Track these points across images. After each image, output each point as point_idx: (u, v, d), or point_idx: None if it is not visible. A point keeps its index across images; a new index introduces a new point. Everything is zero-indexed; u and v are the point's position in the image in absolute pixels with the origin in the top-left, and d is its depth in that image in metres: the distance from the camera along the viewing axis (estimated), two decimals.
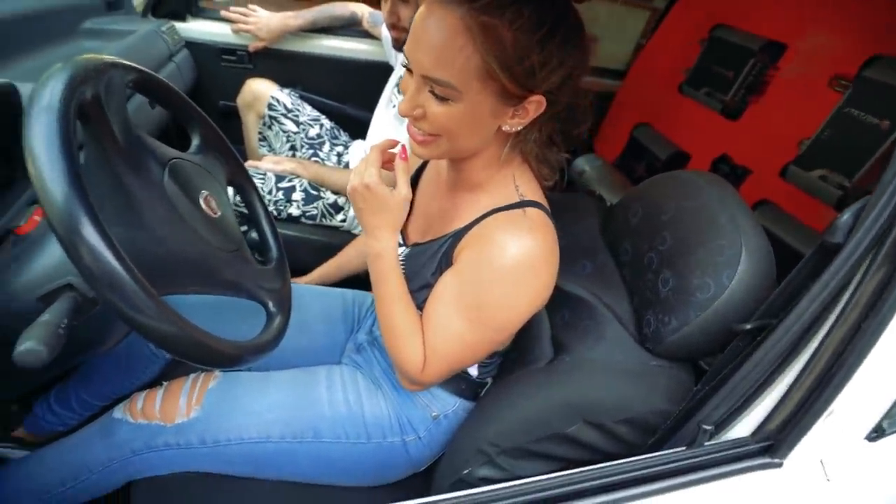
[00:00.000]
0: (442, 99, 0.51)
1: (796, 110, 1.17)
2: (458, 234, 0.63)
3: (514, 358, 0.76)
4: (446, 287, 0.62)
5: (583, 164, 1.63)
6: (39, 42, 1.06)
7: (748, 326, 0.53)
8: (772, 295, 0.54)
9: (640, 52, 1.74)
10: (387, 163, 0.64)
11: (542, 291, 0.60)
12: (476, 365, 0.74)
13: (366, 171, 0.59)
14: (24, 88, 0.68)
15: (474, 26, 0.47)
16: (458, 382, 0.74)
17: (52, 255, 0.53)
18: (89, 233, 0.40)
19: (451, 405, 0.75)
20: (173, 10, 1.46)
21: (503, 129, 0.56)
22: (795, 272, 0.52)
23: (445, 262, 0.64)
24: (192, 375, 0.76)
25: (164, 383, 0.76)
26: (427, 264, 0.66)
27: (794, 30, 1.21)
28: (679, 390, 0.64)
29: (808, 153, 1.10)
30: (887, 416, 0.51)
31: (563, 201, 0.96)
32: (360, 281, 1.28)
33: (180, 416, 0.71)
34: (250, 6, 1.49)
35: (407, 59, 0.53)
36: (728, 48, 1.33)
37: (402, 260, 0.69)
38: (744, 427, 0.50)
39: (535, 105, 0.53)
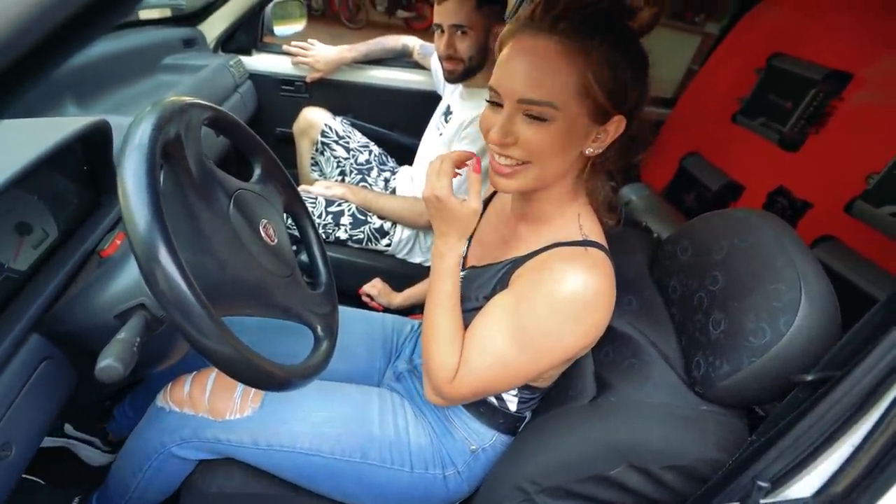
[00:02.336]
0: (539, 120, 0.53)
1: (864, 142, 1.11)
2: (518, 261, 0.64)
3: (555, 392, 0.74)
4: (496, 305, 0.62)
5: (630, 193, 1.60)
6: (128, 76, 1.18)
7: (809, 378, 0.50)
8: (836, 345, 0.51)
9: (692, 79, 1.71)
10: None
11: (592, 331, 0.60)
12: (516, 399, 0.73)
13: (438, 182, 0.61)
14: (115, 120, 0.76)
15: (569, 48, 0.51)
16: (496, 416, 0.73)
17: (127, 276, 0.58)
18: (166, 260, 0.44)
19: (488, 439, 0.74)
20: (240, 46, 1.59)
21: (585, 152, 0.58)
22: (863, 323, 0.48)
23: (500, 286, 0.65)
24: None
25: (215, 370, 0.76)
26: (482, 287, 0.67)
27: (860, 58, 1.16)
28: (731, 439, 0.60)
29: (877, 188, 1.03)
30: None
31: (609, 235, 0.94)
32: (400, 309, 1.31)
33: (232, 412, 0.72)
34: (309, 40, 1.59)
35: (495, 90, 0.56)
36: (787, 78, 1.29)
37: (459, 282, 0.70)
38: (804, 487, 0.46)
39: (616, 125, 0.56)
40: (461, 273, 0.72)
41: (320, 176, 1.54)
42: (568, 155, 0.58)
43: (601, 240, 0.63)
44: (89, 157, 0.71)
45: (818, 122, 1.20)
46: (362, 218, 1.27)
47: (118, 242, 0.64)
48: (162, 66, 1.32)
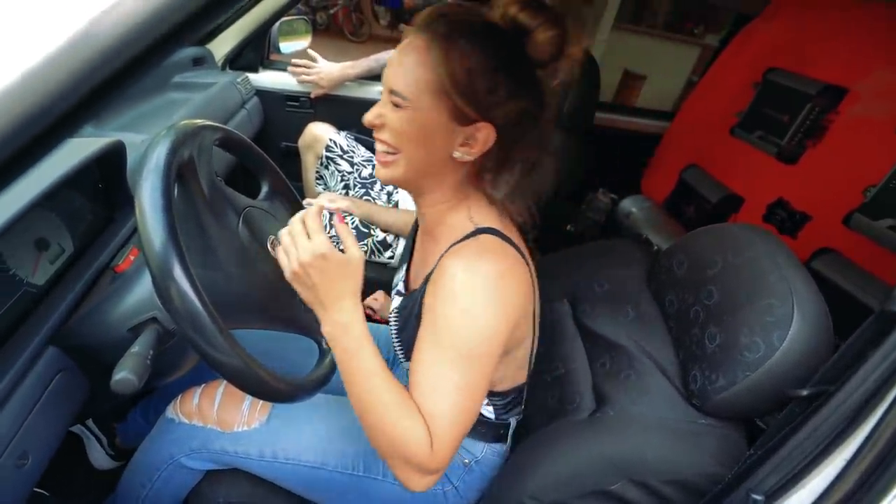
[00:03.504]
0: (399, 107, 0.56)
1: (860, 156, 1.12)
2: (427, 279, 0.62)
3: (553, 406, 0.75)
4: (420, 342, 0.58)
5: (630, 205, 1.61)
6: (140, 94, 1.22)
7: (804, 393, 0.51)
8: (829, 360, 0.52)
9: (690, 91, 1.73)
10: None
11: (510, 310, 0.58)
12: (491, 408, 0.73)
13: (313, 240, 0.54)
14: (128, 137, 0.79)
15: (433, 47, 0.54)
16: (478, 428, 0.73)
17: (140, 291, 0.60)
18: (180, 278, 0.46)
19: (479, 451, 0.74)
20: (247, 63, 1.63)
21: (454, 156, 0.58)
22: (854, 338, 0.50)
23: (419, 309, 0.62)
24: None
25: (224, 381, 0.76)
26: (413, 313, 0.65)
27: (855, 72, 1.18)
28: (730, 453, 0.61)
29: (874, 201, 1.04)
30: None
31: (607, 246, 0.96)
32: None
33: (240, 424, 0.73)
34: (310, 52, 1.63)
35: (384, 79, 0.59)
36: (783, 92, 1.31)
37: (397, 309, 0.69)
38: (797, 500, 0.47)
39: (484, 135, 0.56)
40: (398, 299, 0.71)
41: (325, 189, 1.57)
42: (431, 149, 0.58)
43: (497, 224, 0.62)
44: (104, 176, 0.74)
45: (815, 136, 1.22)
46: (365, 231, 1.29)
47: (132, 258, 0.67)
48: (172, 84, 1.36)
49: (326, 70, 1.59)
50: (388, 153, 0.60)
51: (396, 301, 0.73)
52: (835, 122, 1.18)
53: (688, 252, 0.72)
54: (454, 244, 0.60)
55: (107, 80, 0.24)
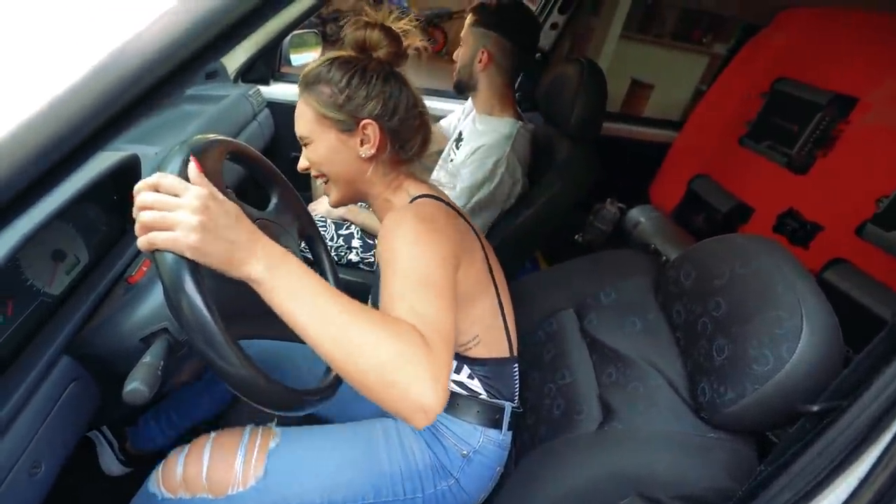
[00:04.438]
0: (306, 145, 0.72)
1: (872, 165, 1.11)
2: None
3: (559, 416, 0.75)
4: (380, 293, 0.58)
5: (638, 215, 1.61)
6: None
7: (815, 408, 0.50)
8: (842, 374, 0.51)
9: (699, 101, 1.73)
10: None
11: (440, 234, 0.63)
12: (475, 380, 0.74)
13: (190, 189, 0.47)
14: (142, 150, 0.81)
15: (304, 94, 0.70)
16: (471, 407, 0.74)
17: (152, 302, 0.62)
18: (191, 289, 0.47)
19: (476, 440, 0.74)
20: (259, 76, 1.66)
21: (362, 156, 0.70)
22: (867, 352, 0.49)
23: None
24: (246, 436, 0.72)
25: (211, 436, 0.71)
26: (376, 284, 0.71)
27: (866, 81, 1.17)
28: (741, 467, 0.60)
29: (888, 211, 1.03)
30: None
31: (613, 257, 0.96)
32: None
33: (235, 486, 0.67)
34: None
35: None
36: (792, 102, 1.30)
37: (376, 286, 0.74)
38: None
39: (371, 129, 0.68)
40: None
41: None
42: (345, 160, 0.71)
43: (427, 190, 0.74)
44: (119, 188, 0.76)
45: (826, 145, 1.21)
46: (372, 242, 1.30)
47: (144, 269, 0.68)
48: (186, 97, 1.39)
49: None
50: (324, 182, 0.74)
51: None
52: (845, 132, 1.18)
53: (695, 263, 0.71)
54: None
55: (128, 106, 0.26)
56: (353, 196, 0.75)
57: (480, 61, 1.20)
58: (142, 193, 0.48)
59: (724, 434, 0.62)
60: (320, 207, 1.37)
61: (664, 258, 1.42)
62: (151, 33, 0.24)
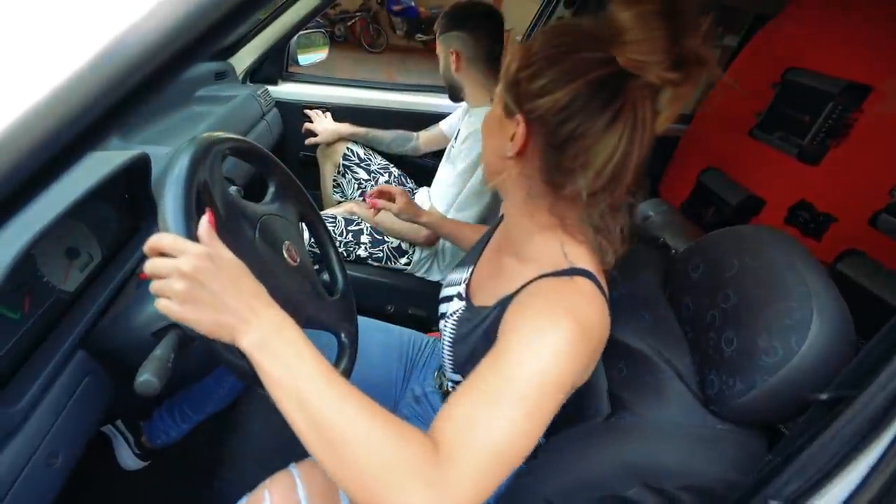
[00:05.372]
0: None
1: (886, 155, 1.09)
2: (505, 302, 0.58)
3: (569, 412, 0.75)
4: (478, 367, 0.49)
5: (647, 209, 1.59)
6: (165, 108, 1.27)
7: (824, 397, 0.50)
8: (851, 363, 0.51)
9: (708, 93, 1.71)
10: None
11: (580, 361, 0.51)
12: None
13: (187, 248, 0.45)
14: (153, 150, 0.82)
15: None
16: None
17: None
18: None
19: None
20: (267, 76, 1.68)
21: (507, 154, 0.57)
22: (877, 341, 0.48)
23: (493, 330, 0.56)
24: (297, 481, 0.65)
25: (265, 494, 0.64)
26: (476, 330, 0.61)
27: (879, 70, 1.15)
28: (750, 458, 0.60)
29: None
30: None
31: (622, 251, 0.95)
32: (415, 321, 1.33)
33: None
34: (321, 112, 1.65)
35: None
36: (803, 91, 1.28)
37: (459, 315, 0.66)
38: None
39: (521, 127, 0.54)
40: (460, 304, 0.67)
41: (342, 197, 1.60)
42: (495, 142, 0.59)
43: (592, 268, 0.57)
44: (130, 187, 0.77)
45: (838, 135, 1.19)
46: (380, 237, 1.31)
47: None
48: (196, 98, 1.41)
49: (325, 124, 1.61)
50: None
51: (457, 305, 0.70)
52: (859, 121, 1.15)
53: (704, 255, 0.71)
54: (545, 275, 0.56)
55: (129, 94, 0.26)
56: (492, 180, 0.63)
57: (453, 63, 1.25)
58: (150, 259, 0.47)
59: (734, 426, 0.62)
60: (334, 210, 1.39)
61: (673, 251, 1.41)
62: (148, 24, 0.25)
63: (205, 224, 0.49)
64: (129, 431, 1.02)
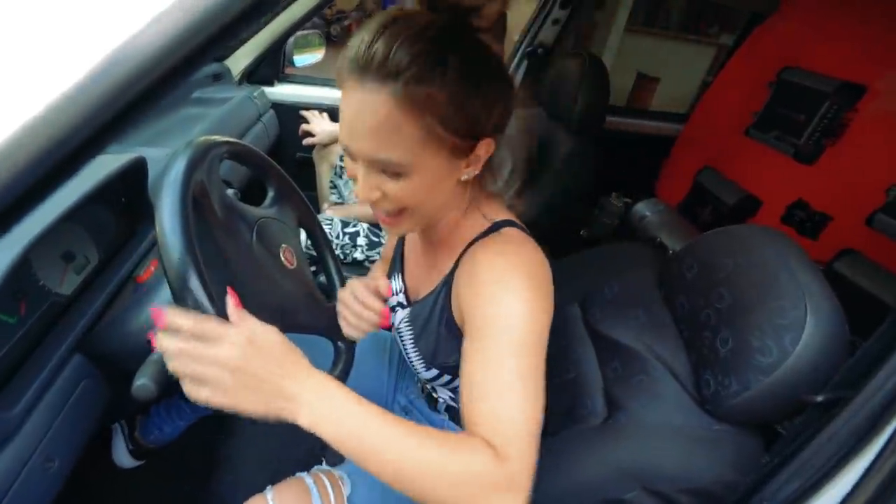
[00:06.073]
0: (396, 175, 0.50)
1: (882, 154, 1.10)
2: (447, 282, 0.61)
3: (564, 413, 0.75)
4: (467, 348, 0.52)
5: (644, 209, 1.60)
6: (161, 110, 1.27)
7: (820, 399, 0.50)
8: (847, 364, 0.51)
9: (704, 93, 1.72)
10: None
11: (544, 291, 0.53)
12: None
13: (226, 331, 0.45)
14: (149, 152, 0.82)
15: (406, 100, 0.45)
16: None
17: (160, 301, 0.63)
18: (196, 287, 0.48)
19: None
20: (263, 77, 1.67)
21: (461, 179, 0.55)
22: (872, 342, 0.49)
23: (444, 309, 0.61)
24: (313, 488, 0.65)
25: (269, 495, 0.64)
26: (430, 318, 0.63)
27: (873, 69, 1.15)
28: (748, 459, 0.60)
29: None
30: None
31: (617, 250, 0.96)
32: None
33: None
34: (318, 113, 1.64)
35: (345, 146, 0.51)
36: (799, 91, 1.29)
37: (407, 319, 0.68)
38: None
39: (486, 147, 0.53)
40: (404, 312, 0.69)
41: (338, 199, 1.60)
42: (443, 192, 0.55)
43: (507, 215, 0.61)
44: (127, 190, 0.77)
45: (834, 135, 1.20)
46: (376, 240, 1.31)
47: (152, 269, 0.69)
48: (192, 100, 1.40)
49: (322, 125, 1.60)
50: (393, 214, 0.55)
51: (402, 314, 0.71)
52: (854, 121, 1.16)
53: (698, 255, 0.71)
54: (474, 241, 0.58)
55: (132, 102, 0.26)
56: (420, 226, 0.59)
57: None
58: (170, 340, 0.45)
59: (730, 426, 0.62)
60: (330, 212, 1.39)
61: (670, 251, 1.41)
62: (148, 35, 0.25)
63: (231, 304, 0.48)
64: (127, 424, 1.02)
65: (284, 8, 1.47)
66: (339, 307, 0.69)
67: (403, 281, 0.74)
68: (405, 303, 0.73)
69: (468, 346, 0.52)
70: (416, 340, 0.67)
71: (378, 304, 0.65)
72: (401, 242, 0.78)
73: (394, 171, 0.49)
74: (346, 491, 0.66)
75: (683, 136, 1.71)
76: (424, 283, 0.69)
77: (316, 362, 0.62)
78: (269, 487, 0.66)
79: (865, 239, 1.08)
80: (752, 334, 0.57)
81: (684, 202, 1.60)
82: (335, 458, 0.72)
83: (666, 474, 0.61)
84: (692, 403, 0.65)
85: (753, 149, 1.41)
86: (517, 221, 0.61)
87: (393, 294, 0.74)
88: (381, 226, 0.59)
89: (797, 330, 0.53)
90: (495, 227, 0.59)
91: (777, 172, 1.33)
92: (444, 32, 0.47)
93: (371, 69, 0.46)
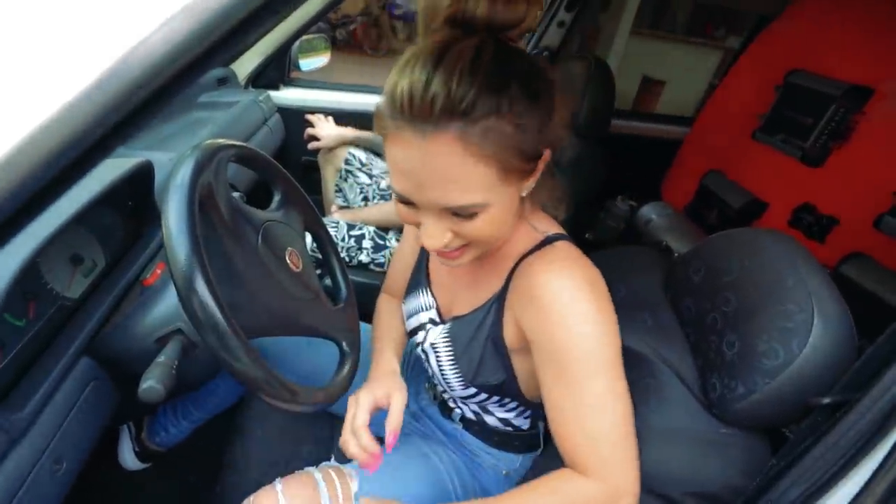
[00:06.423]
0: (471, 215, 0.48)
1: (889, 157, 1.09)
2: (499, 299, 0.59)
3: None
4: (545, 374, 0.55)
5: (650, 212, 1.59)
6: (167, 114, 1.28)
7: (826, 401, 0.50)
8: (854, 367, 0.50)
9: (710, 96, 1.71)
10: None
11: (609, 306, 0.55)
12: (524, 417, 0.71)
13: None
14: (156, 156, 0.83)
15: (476, 138, 0.43)
16: (511, 440, 0.73)
17: (167, 303, 0.63)
18: (202, 289, 0.49)
19: (517, 462, 0.74)
20: (269, 81, 1.69)
21: (522, 195, 0.54)
22: (879, 344, 0.48)
23: (493, 328, 0.60)
24: (322, 483, 0.66)
25: (278, 488, 0.65)
26: (476, 336, 0.62)
27: (881, 72, 1.14)
28: (755, 463, 0.59)
29: None
30: None
31: (623, 253, 0.95)
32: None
33: None
34: (324, 117, 1.63)
35: (406, 197, 0.48)
36: (806, 94, 1.28)
37: (445, 336, 0.66)
38: None
39: (545, 159, 0.52)
40: (446, 326, 0.66)
41: (344, 202, 1.60)
42: (512, 216, 0.53)
43: (557, 228, 0.60)
44: (134, 194, 0.78)
45: (841, 138, 1.19)
46: (381, 243, 1.32)
47: (159, 272, 0.70)
48: (198, 104, 1.42)
49: (328, 129, 1.60)
50: (458, 248, 0.53)
51: (437, 331, 0.68)
52: (861, 124, 1.15)
53: (704, 258, 0.71)
54: (525, 256, 0.57)
55: (137, 108, 0.27)
56: (490, 249, 0.57)
57: None
58: None
59: (737, 430, 0.61)
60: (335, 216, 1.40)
61: (676, 254, 1.41)
62: (154, 41, 0.26)
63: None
64: (135, 425, 1.02)
65: (290, 13, 1.48)
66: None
67: (433, 296, 0.71)
68: (437, 319, 0.70)
69: (547, 373, 0.55)
70: (457, 359, 0.64)
71: (372, 447, 0.59)
72: (425, 252, 0.73)
73: (468, 213, 0.47)
74: (353, 487, 0.66)
75: (689, 140, 1.70)
76: (465, 298, 0.65)
77: (322, 364, 0.62)
78: (277, 479, 0.66)
79: (873, 242, 1.07)
80: (758, 337, 0.57)
81: (690, 205, 1.59)
82: (344, 456, 0.73)
83: (673, 478, 0.60)
84: (699, 407, 0.64)
85: (760, 152, 1.41)
86: (565, 233, 0.60)
87: (422, 310, 0.71)
88: (441, 260, 0.55)
89: (804, 333, 0.52)
90: (548, 241, 0.57)
91: (784, 175, 1.32)
92: (497, 57, 0.44)
93: (433, 113, 0.42)
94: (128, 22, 0.26)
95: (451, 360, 0.65)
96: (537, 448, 0.76)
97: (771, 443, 0.62)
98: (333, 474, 0.67)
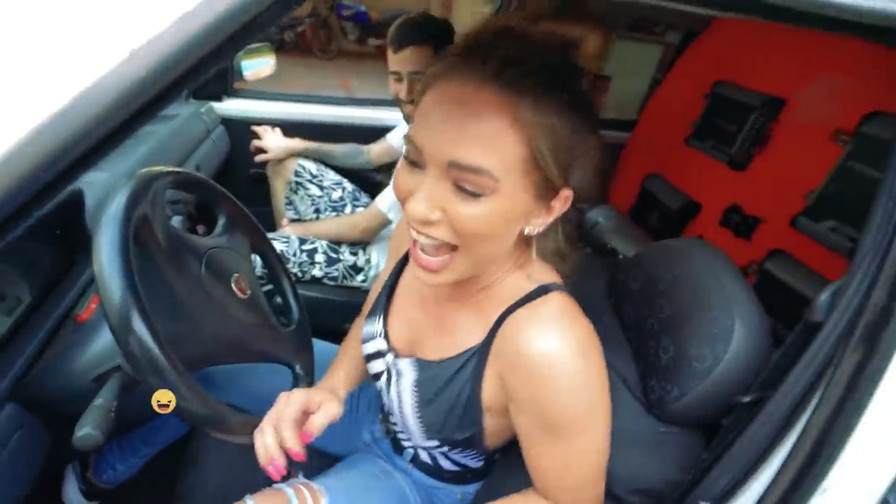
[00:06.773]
0: (471, 195, 0.42)
1: (800, 162, 1.20)
2: (481, 352, 0.55)
3: None
4: (530, 430, 0.54)
5: (596, 215, 1.66)
6: None
7: (746, 399, 0.55)
8: (767, 366, 0.56)
9: (652, 95, 1.80)
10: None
11: (602, 365, 0.54)
12: (482, 459, 0.71)
13: None
14: (88, 175, 0.78)
15: (518, 105, 0.40)
16: (462, 475, 0.73)
17: (103, 340, 0.60)
18: (139, 327, 0.47)
19: (472, 487, 0.75)
20: (211, 93, 1.63)
21: (525, 231, 0.49)
22: (786, 346, 0.53)
23: (470, 383, 0.56)
24: (294, 500, 0.65)
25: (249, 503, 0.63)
26: (447, 389, 0.58)
27: (791, 84, 1.26)
28: (691, 459, 0.64)
29: (815, 205, 1.11)
30: (893, 489, 0.51)
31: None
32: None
33: None
34: (270, 128, 1.60)
35: (415, 146, 0.44)
36: (729, 103, 1.38)
37: (412, 381, 0.61)
38: (744, 502, 0.51)
39: (563, 201, 0.48)
40: (411, 362, 0.62)
41: (295, 215, 1.57)
42: (507, 237, 0.48)
43: (553, 277, 0.56)
44: (63, 221, 0.74)
45: (761, 144, 1.29)
46: (335, 256, 1.30)
47: (93, 306, 0.66)
48: None
49: (275, 141, 1.56)
50: (440, 254, 0.47)
51: (401, 369, 0.63)
52: (776, 131, 1.26)
53: (642, 266, 0.75)
54: (515, 306, 0.53)
55: (103, 138, 0.27)
56: (462, 278, 0.51)
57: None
58: None
59: (675, 428, 0.66)
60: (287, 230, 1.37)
61: (621, 256, 1.48)
62: (145, 54, 0.26)
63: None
64: (79, 463, 0.96)
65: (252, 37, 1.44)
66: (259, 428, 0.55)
67: (385, 325, 0.67)
68: (385, 349, 0.66)
69: (531, 432, 0.55)
70: (422, 407, 0.60)
71: (296, 449, 0.53)
72: (393, 278, 0.69)
73: (472, 188, 0.42)
74: (324, 503, 0.66)
75: (631, 144, 1.79)
76: (437, 342, 0.61)
77: (275, 389, 0.62)
78: (248, 496, 0.65)
79: (792, 240, 1.17)
80: (689, 343, 0.61)
81: (634, 208, 1.67)
82: (309, 472, 0.72)
83: (619, 477, 0.64)
84: (640, 409, 0.68)
85: (693, 157, 1.51)
86: (560, 283, 0.56)
87: (374, 337, 0.67)
88: (418, 273, 0.49)
89: (727, 338, 0.57)
90: (541, 291, 0.53)
91: (714, 179, 1.42)
92: (564, 61, 0.44)
93: (476, 60, 0.40)
94: (119, 33, 0.26)
95: (416, 407, 0.61)
96: (490, 472, 0.76)
97: (706, 438, 0.67)
98: (305, 491, 0.66)
